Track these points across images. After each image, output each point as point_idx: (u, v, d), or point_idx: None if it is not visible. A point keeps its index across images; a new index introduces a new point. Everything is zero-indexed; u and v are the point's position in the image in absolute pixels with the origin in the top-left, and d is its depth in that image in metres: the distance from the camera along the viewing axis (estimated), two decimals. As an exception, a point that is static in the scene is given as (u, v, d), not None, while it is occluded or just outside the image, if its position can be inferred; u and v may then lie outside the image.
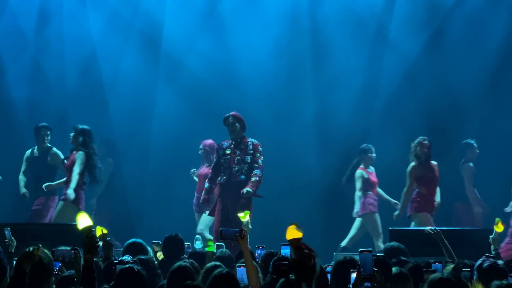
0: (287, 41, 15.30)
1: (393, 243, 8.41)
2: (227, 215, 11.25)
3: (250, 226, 8.89)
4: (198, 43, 15.53)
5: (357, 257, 6.75)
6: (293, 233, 4.79)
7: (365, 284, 5.57)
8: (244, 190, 11.28)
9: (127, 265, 6.32)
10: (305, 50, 15.32)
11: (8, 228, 8.54)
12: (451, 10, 14.96)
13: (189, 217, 13.45)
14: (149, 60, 15.58)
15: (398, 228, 10.64)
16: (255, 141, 11.66)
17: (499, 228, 8.73)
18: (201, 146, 13.28)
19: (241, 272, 6.42)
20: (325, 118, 15.04)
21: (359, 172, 13.36)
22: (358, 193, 13.29)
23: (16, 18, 15.51)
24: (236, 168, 11.47)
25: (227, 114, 11.68)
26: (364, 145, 13.53)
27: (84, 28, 15.49)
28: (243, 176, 11.44)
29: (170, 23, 15.57)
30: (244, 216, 8.61)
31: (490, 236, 8.73)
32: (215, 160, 11.85)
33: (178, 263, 6.47)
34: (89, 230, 5.56)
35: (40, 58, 15.52)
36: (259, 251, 7.44)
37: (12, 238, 8.37)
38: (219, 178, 11.60)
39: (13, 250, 8.22)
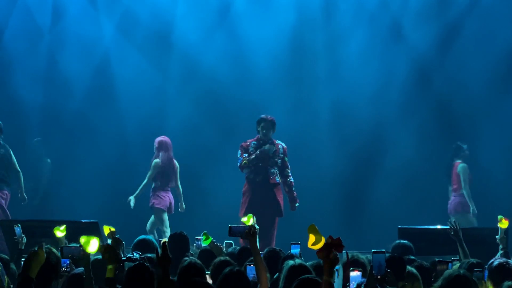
0: (300, 35, 15.26)
1: (400, 241, 8.42)
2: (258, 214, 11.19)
3: (257, 226, 8.83)
4: (210, 38, 15.48)
5: (362, 257, 6.76)
6: (315, 239, 4.67)
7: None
8: (296, 205, 12.05)
9: (136, 262, 6.30)
10: (318, 44, 15.30)
11: (19, 225, 8.59)
12: (464, 4, 14.93)
13: (200, 216, 13.44)
14: (161, 58, 15.53)
15: (407, 226, 10.59)
16: (284, 145, 11.96)
17: (503, 224, 8.63)
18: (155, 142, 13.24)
19: (251, 270, 6.39)
20: (339, 112, 15.01)
21: (465, 166, 12.91)
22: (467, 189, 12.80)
23: (28, 18, 15.45)
24: (271, 170, 11.75)
25: (266, 117, 11.82)
26: (458, 142, 13.22)
27: (96, 28, 15.45)
28: (278, 179, 11.84)
29: (182, 20, 15.51)
30: (248, 221, 8.60)
31: (497, 237, 8.67)
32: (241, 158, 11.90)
33: (188, 260, 6.46)
34: (103, 247, 5.47)
35: (52, 58, 15.46)
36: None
37: (22, 235, 8.41)
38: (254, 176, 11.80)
39: (23, 247, 8.28)
